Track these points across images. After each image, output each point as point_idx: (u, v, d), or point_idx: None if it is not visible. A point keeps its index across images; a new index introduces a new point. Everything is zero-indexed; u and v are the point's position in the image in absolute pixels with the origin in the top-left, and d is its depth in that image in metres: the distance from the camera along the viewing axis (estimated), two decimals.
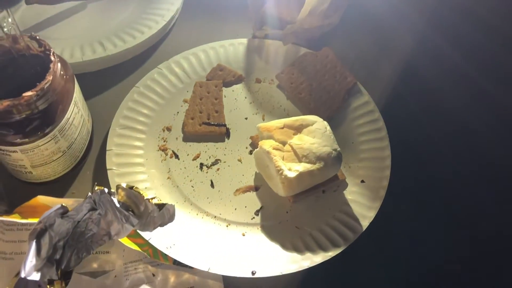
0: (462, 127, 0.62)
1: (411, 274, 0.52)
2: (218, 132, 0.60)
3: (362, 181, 0.56)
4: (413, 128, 0.61)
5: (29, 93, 0.44)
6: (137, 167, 0.56)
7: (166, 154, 0.58)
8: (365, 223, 0.52)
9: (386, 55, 0.69)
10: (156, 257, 0.50)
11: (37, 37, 0.49)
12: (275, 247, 0.51)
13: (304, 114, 0.61)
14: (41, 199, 0.48)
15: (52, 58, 0.47)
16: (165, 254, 0.49)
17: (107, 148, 0.56)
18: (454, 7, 0.69)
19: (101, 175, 0.56)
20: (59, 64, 0.48)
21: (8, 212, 0.50)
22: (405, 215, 0.55)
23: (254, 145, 0.59)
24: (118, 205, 0.44)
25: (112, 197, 0.44)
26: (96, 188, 0.44)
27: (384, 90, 0.64)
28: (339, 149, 0.52)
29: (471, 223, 0.55)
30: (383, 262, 0.52)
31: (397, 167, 0.56)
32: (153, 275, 0.50)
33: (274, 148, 0.52)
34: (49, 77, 0.46)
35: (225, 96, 0.63)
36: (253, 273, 0.48)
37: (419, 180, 0.57)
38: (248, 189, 0.56)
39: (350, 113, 0.61)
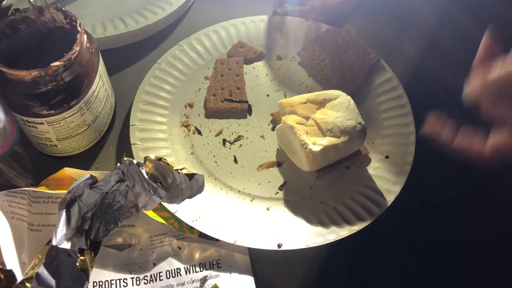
0: None
1: (433, 249, 0.52)
2: (240, 109, 0.59)
3: (387, 157, 0.55)
4: (437, 103, 0.60)
5: (56, 63, 0.44)
6: (160, 142, 0.56)
7: (189, 130, 0.58)
8: (390, 198, 0.52)
9: (408, 30, 0.68)
10: (181, 230, 0.50)
11: (63, 9, 0.48)
12: (300, 221, 0.51)
13: (326, 90, 0.61)
14: (67, 171, 0.49)
15: (79, 29, 0.47)
16: (191, 227, 0.49)
17: (130, 123, 0.56)
18: None
19: (124, 150, 0.56)
20: (85, 36, 0.48)
21: (34, 185, 0.50)
22: (428, 191, 0.54)
23: (275, 121, 0.59)
24: (146, 177, 0.44)
25: (140, 168, 0.44)
26: (125, 159, 0.44)
27: (407, 66, 0.63)
28: (363, 122, 0.52)
29: (498, 202, 0.55)
30: (406, 238, 0.51)
31: (421, 143, 0.55)
32: (179, 248, 0.50)
33: (297, 123, 0.52)
34: (76, 48, 0.46)
35: (246, 73, 0.63)
36: (279, 246, 0.48)
37: (443, 156, 0.57)
38: (271, 165, 0.56)
39: (373, 89, 0.60)
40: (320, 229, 0.50)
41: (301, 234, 0.49)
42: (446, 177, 0.56)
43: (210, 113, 0.59)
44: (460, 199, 0.54)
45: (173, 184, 0.45)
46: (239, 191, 0.54)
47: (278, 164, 0.56)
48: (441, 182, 0.56)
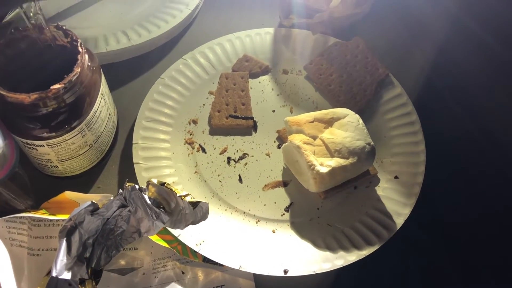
0: (502, 120, 0.59)
1: (446, 271, 0.50)
2: (245, 125, 0.58)
3: (396, 177, 0.54)
4: (449, 121, 0.59)
5: (56, 86, 0.43)
6: (164, 161, 0.54)
7: (193, 148, 0.56)
8: (399, 221, 0.50)
9: (419, 45, 0.66)
10: (185, 254, 0.48)
11: (64, 27, 0.47)
12: (307, 245, 0.49)
13: (333, 106, 0.59)
14: (68, 194, 0.47)
15: (80, 49, 0.45)
16: (195, 251, 0.48)
17: (133, 142, 0.54)
18: None
19: (127, 169, 0.55)
20: (86, 56, 0.46)
21: (34, 207, 0.49)
22: (440, 213, 0.53)
23: (281, 139, 0.58)
24: (149, 202, 0.43)
25: (143, 194, 0.43)
26: (127, 184, 0.43)
27: (417, 81, 0.62)
28: (372, 143, 0.51)
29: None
30: (418, 262, 0.50)
31: (432, 163, 0.54)
32: (183, 272, 0.49)
33: (304, 143, 0.50)
34: (77, 69, 0.44)
35: (251, 88, 0.61)
36: (285, 272, 0.47)
37: (455, 176, 0.55)
38: (277, 185, 0.55)
39: (382, 106, 0.59)
40: (327, 254, 0.49)
41: (308, 259, 0.48)
42: (457, 198, 0.54)
43: (215, 130, 0.58)
44: (473, 220, 0.53)
45: (177, 210, 0.44)
46: (244, 213, 0.52)
47: (284, 184, 0.54)
48: (452, 203, 0.54)
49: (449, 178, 0.55)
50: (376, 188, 0.54)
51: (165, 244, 0.48)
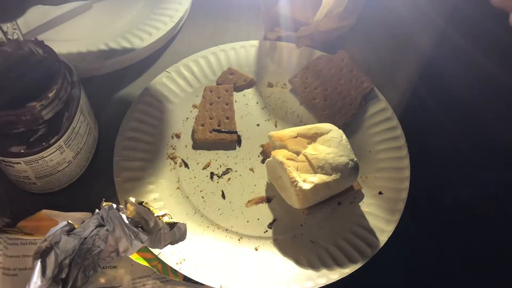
0: (489, 135, 0.59)
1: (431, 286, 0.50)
2: (229, 140, 0.57)
3: (380, 193, 0.53)
4: (434, 136, 0.59)
5: (33, 103, 0.42)
6: (145, 175, 0.54)
7: (175, 163, 0.56)
8: (383, 238, 0.50)
9: (404, 58, 0.66)
10: (165, 273, 0.48)
11: (42, 42, 0.46)
12: (289, 263, 0.49)
13: (318, 120, 0.59)
14: (45, 212, 0.47)
15: (57, 65, 0.45)
16: (175, 270, 0.47)
17: (114, 157, 0.54)
18: (473, 7, 0.66)
19: (107, 185, 0.54)
20: (65, 71, 0.45)
21: (11, 225, 0.48)
22: (425, 230, 0.52)
23: (265, 153, 0.57)
24: (126, 221, 0.42)
25: (120, 213, 0.42)
26: (104, 204, 0.42)
27: (402, 95, 0.61)
28: (356, 159, 0.50)
29: (500, 238, 0.53)
30: (403, 279, 0.50)
31: (417, 178, 0.53)
32: None
33: (287, 158, 0.50)
34: (55, 86, 0.43)
35: (236, 101, 0.61)
36: None
37: (441, 191, 0.55)
38: (260, 201, 0.54)
39: (367, 120, 0.58)
40: (310, 272, 0.48)
41: (290, 278, 0.47)
42: (442, 212, 0.54)
43: (198, 144, 0.57)
44: (458, 235, 0.53)
45: (155, 229, 0.43)
46: (227, 230, 0.52)
47: (268, 200, 0.54)
48: (437, 218, 0.54)
49: (434, 192, 0.55)
50: (360, 204, 0.53)
51: (145, 263, 0.47)
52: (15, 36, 0.45)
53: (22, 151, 0.45)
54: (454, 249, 0.52)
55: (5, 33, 0.44)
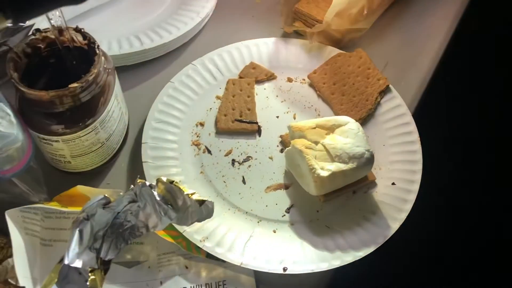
0: (500, 127, 0.61)
1: (438, 272, 0.52)
2: (250, 130, 0.61)
3: (393, 184, 0.56)
4: (447, 130, 0.61)
5: (74, 85, 0.45)
6: (171, 160, 0.57)
7: (199, 149, 0.59)
8: (395, 225, 0.52)
9: (419, 56, 0.68)
10: (189, 249, 0.51)
11: (82, 30, 0.50)
12: (306, 245, 0.52)
13: (335, 114, 0.62)
14: (80, 188, 0.50)
15: (97, 51, 0.48)
16: (198, 247, 0.50)
17: (142, 141, 0.57)
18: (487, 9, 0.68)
19: (135, 167, 0.57)
20: (102, 57, 0.49)
21: (47, 200, 0.51)
22: (434, 219, 0.55)
23: (284, 143, 0.60)
24: (157, 198, 0.45)
25: (152, 190, 0.45)
26: (138, 181, 0.45)
27: (417, 92, 0.64)
28: (371, 150, 0.53)
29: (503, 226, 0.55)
30: (412, 264, 0.52)
31: (430, 170, 0.56)
32: (186, 267, 0.51)
33: (306, 147, 0.53)
34: (94, 70, 0.47)
35: (257, 94, 0.64)
36: (284, 270, 0.49)
37: (452, 183, 0.58)
38: (278, 187, 0.57)
39: (382, 115, 0.61)
40: (325, 254, 0.51)
41: (306, 259, 0.50)
42: (451, 204, 0.57)
43: (221, 133, 0.61)
44: (466, 225, 0.55)
45: (183, 207, 0.46)
46: (247, 212, 0.55)
47: (286, 187, 0.57)
48: (446, 208, 0.56)
49: (445, 184, 0.57)
50: (374, 193, 0.56)
51: (170, 240, 0.50)
52: (59, 23, 0.48)
53: (61, 130, 0.48)
54: (461, 237, 0.55)
55: (49, 19, 0.47)
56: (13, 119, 0.44)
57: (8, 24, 0.28)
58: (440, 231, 0.54)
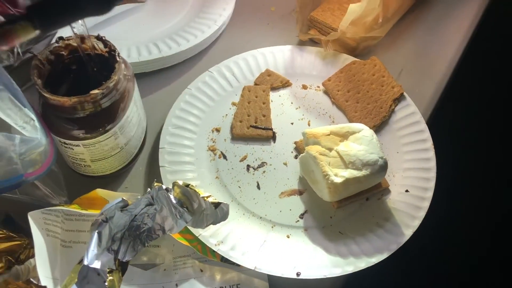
0: None
1: (451, 279, 0.53)
2: (265, 136, 0.61)
3: (407, 191, 0.56)
4: (462, 138, 0.61)
5: (95, 91, 0.47)
6: (187, 165, 0.58)
7: (215, 154, 0.60)
8: (408, 232, 0.53)
9: (434, 64, 0.69)
10: (204, 253, 0.52)
11: (103, 38, 0.51)
12: (319, 251, 0.52)
13: (349, 121, 0.63)
14: (99, 192, 0.51)
15: (118, 58, 0.49)
16: (213, 251, 0.51)
17: (160, 146, 0.58)
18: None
19: (153, 172, 0.59)
20: (122, 65, 0.50)
21: (67, 202, 0.53)
22: (448, 225, 0.55)
23: (298, 150, 0.61)
24: (174, 201, 0.46)
25: (168, 193, 0.46)
26: (155, 184, 0.46)
27: (431, 99, 0.64)
28: (385, 157, 0.53)
29: None
30: (426, 271, 0.52)
31: (443, 178, 0.56)
32: (201, 270, 0.52)
33: (320, 154, 0.53)
34: (114, 77, 0.48)
35: (272, 101, 0.65)
36: (298, 274, 0.50)
37: (466, 190, 0.58)
38: (292, 193, 0.58)
39: (396, 122, 0.62)
40: (338, 259, 0.51)
41: (320, 264, 0.51)
42: (465, 212, 0.57)
43: (236, 139, 0.62)
44: (480, 234, 0.55)
45: (199, 210, 0.47)
46: (261, 217, 0.55)
47: (300, 193, 0.57)
48: (460, 216, 0.57)
49: (457, 191, 0.57)
50: (387, 200, 0.56)
51: (186, 243, 0.51)
52: (81, 31, 0.49)
53: (82, 134, 0.50)
54: (475, 243, 0.55)
55: (72, 28, 0.48)
56: (37, 124, 0.45)
57: (36, 34, 0.30)
58: (453, 237, 0.54)
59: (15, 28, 0.29)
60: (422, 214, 0.54)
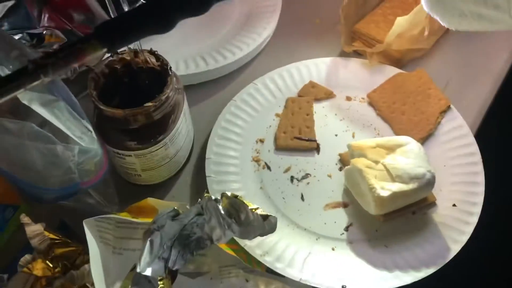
0: None
1: None
2: (309, 147, 0.62)
3: (454, 205, 0.55)
4: (511, 151, 0.60)
5: (149, 104, 0.49)
6: (232, 176, 0.59)
7: (259, 165, 0.61)
8: (456, 247, 0.52)
9: (481, 75, 0.68)
10: (249, 263, 0.52)
11: (156, 52, 0.53)
12: (365, 264, 0.52)
13: (395, 134, 0.62)
14: (150, 200, 0.53)
15: (170, 72, 0.51)
16: (259, 261, 0.52)
17: (206, 156, 0.59)
18: None
19: (198, 182, 0.60)
20: (174, 78, 0.52)
21: (119, 210, 0.55)
22: (498, 241, 0.54)
23: (343, 162, 0.61)
24: (222, 212, 0.47)
25: (217, 204, 0.47)
26: (205, 195, 0.47)
27: (479, 112, 0.63)
28: (433, 171, 0.53)
29: None
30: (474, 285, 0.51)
31: (491, 193, 0.55)
32: (246, 280, 0.52)
33: (366, 167, 0.53)
34: (167, 90, 0.50)
35: (315, 112, 0.65)
36: (343, 287, 0.50)
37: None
38: (337, 205, 0.58)
39: (443, 135, 0.61)
40: (384, 273, 0.51)
41: (365, 277, 0.51)
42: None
43: (280, 150, 0.62)
44: None
45: (246, 221, 0.48)
46: (305, 229, 0.56)
47: (345, 205, 0.57)
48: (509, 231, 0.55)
49: (508, 205, 0.56)
50: (434, 214, 0.55)
51: (232, 252, 0.52)
52: (135, 46, 0.52)
53: (134, 145, 0.52)
54: None
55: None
56: (94, 135, 0.47)
57: (104, 52, 0.32)
58: (503, 252, 0.53)
59: (85, 47, 0.31)
60: (470, 229, 0.53)
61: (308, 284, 0.50)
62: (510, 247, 0.54)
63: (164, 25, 0.32)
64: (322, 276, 0.51)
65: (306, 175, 0.60)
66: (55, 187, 0.47)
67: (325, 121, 0.65)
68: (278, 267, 0.51)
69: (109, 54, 0.54)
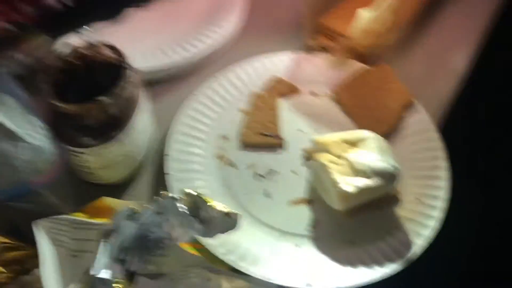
0: None
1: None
2: (274, 143, 0.61)
3: (417, 199, 0.55)
4: (473, 146, 0.60)
5: (102, 98, 0.47)
6: (195, 173, 0.57)
7: (223, 162, 0.59)
8: (420, 242, 0.52)
9: (445, 71, 0.68)
10: (212, 262, 0.51)
11: (112, 45, 0.51)
12: (330, 261, 0.51)
13: (359, 129, 0.61)
14: (105, 200, 0.51)
15: (125, 65, 0.49)
16: (221, 260, 0.50)
17: (164, 153, 0.57)
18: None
19: (159, 180, 0.58)
20: (130, 71, 0.50)
21: (74, 211, 0.52)
22: (464, 235, 0.54)
23: (307, 157, 0.60)
24: (181, 210, 0.45)
25: (176, 202, 0.46)
26: (162, 192, 0.45)
27: (442, 107, 0.63)
28: (396, 164, 0.52)
29: None
30: (441, 282, 0.51)
31: (455, 187, 0.55)
32: (209, 280, 0.51)
33: (330, 162, 0.53)
34: (121, 84, 0.48)
35: (280, 108, 0.64)
36: (308, 286, 0.49)
37: (478, 200, 0.57)
38: (302, 201, 0.57)
39: (406, 129, 0.61)
40: (350, 270, 0.50)
41: (330, 275, 0.50)
42: (480, 220, 0.56)
43: (244, 146, 0.61)
44: (490, 244, 0.54)
45: (207, 219, 0.46)
46: (269, 226, 0.55)
47: (310, 201, 0.57)
48: (473, 225, 0.55)
49: (471, 200, 0.57)
50: (398, 209, 0.55)
51: (195, 252, 0.51)
52: (89, 39, 0.49)
53: (87, 142, 0.49)
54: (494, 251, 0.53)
55: (80, 34, 0.48)
56: (43, 131, 0.45)
57: (45, 40, 0.29)
58: (469, 246, 0.53)
59: (25, 35, 0.28)
60: (433, 223, 0.53)
61: (272, 282, 0.49)
62: (483, 244, 0.54)
63: (109, 10, 0.30)
64: (287, 274, 0.50)
65: (271, 172, 0.59)
66: (2, 187, 0.44)
67: (290, 116, 0.64)
68: (242, 266, 0.50)
69: (61, 47, 0.51)
